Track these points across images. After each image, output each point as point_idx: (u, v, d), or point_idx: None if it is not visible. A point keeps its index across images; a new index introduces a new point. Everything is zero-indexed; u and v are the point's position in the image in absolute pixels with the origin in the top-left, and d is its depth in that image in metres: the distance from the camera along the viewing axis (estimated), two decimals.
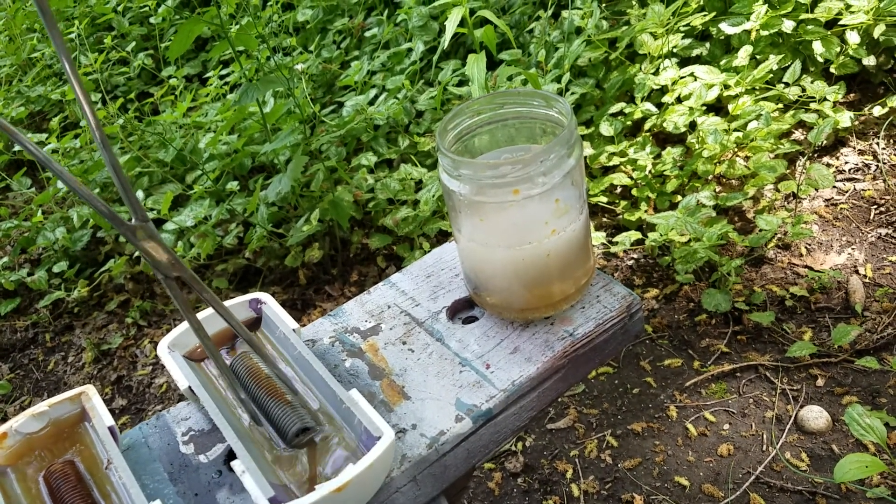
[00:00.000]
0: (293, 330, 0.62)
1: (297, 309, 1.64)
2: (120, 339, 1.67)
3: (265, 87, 1.40)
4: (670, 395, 1.27)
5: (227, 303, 0.65)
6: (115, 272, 1.66)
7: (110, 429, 0.56)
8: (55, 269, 1.69)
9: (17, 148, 1.76)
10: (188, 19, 1.32)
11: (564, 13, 1.60)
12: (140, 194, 1.57)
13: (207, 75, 1.85)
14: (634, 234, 1.38)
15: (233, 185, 1.60)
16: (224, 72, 1.83)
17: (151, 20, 1.96)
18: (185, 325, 0.63)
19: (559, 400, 1.35)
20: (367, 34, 1.81)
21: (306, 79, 1.69)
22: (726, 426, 1.20)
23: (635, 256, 1.50)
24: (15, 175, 1.84)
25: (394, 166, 1.70)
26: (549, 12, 1.59)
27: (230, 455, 0.58)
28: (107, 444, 0.55)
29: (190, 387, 0.59)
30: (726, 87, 1.50)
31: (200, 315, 0.64)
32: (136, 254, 1.64)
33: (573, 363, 0.60)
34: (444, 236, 1.59)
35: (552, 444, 1.26)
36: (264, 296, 0.66)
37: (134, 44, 1.89)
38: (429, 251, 1.58)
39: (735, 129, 1.46)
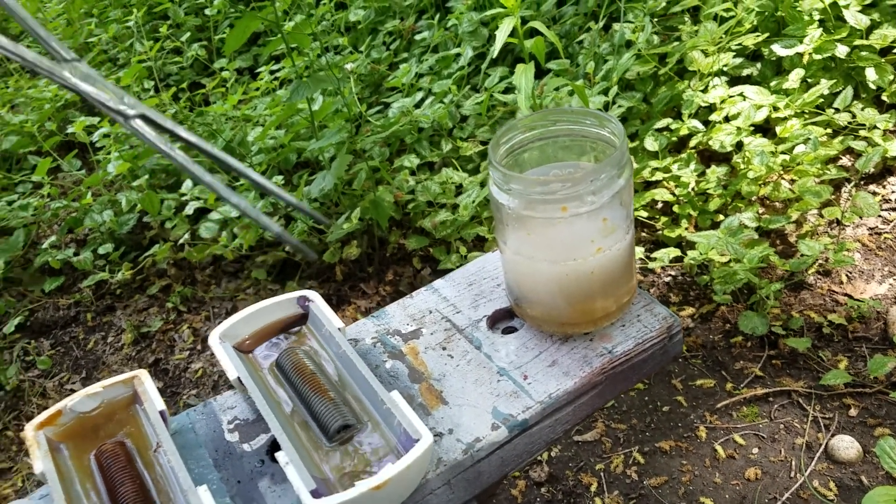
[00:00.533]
0: (338, 329, 0.64)
1: (331, 304, 1.67)
2: (160, 323, 1.72)
3: (315, 86, 1.43)
4: (700, 415, 1.27)
5: (275, 299, 0.68)
6: (158, 257, 1.71)
7: (161, 413, 0.59)
8: (100, 251, 1.75)
9: (70, 129, 1.81)
10: (245, 15, 1.35)
11: (615, 26, 1.60)
12: (189, 184, 1.61)
13: (259, 70, 1.88)
14: (673, 252, 1.38)
15: (278, 180, 1.64)
16: (275, 67, 1.87)
17: (206, 12, 2.00)
18: (236, 316, 0.66)
19: None
20: (417, 37, 1.83)
21: (354, 78, 1.72)
22: (755, 450, 1.19)
23: (673, 273, 1.50)
24: (66, 156, 1.90)
25: (435, 169, 1.72)
26: (600, 24, 1.60)
27: (273, 446, 0.61)
28: (157, 428, 0.58)
29: (238, 377, 0.61)
30: (775, 108, 1.49)
31: (252, 308, 0.66)
32: (181, 240, 1.68)
33: (610, 380, 0.62)
34: (480, 241, 1.61)
35: (578, 456, 1.27)
36: (312, 294, 0.68)
37: (188, 34, 1.94)
38: (465, 255, 1.60)
39: (782, 152, 1.45)
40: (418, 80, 1.77)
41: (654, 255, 1.42)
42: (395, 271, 1.70)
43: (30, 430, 0.59)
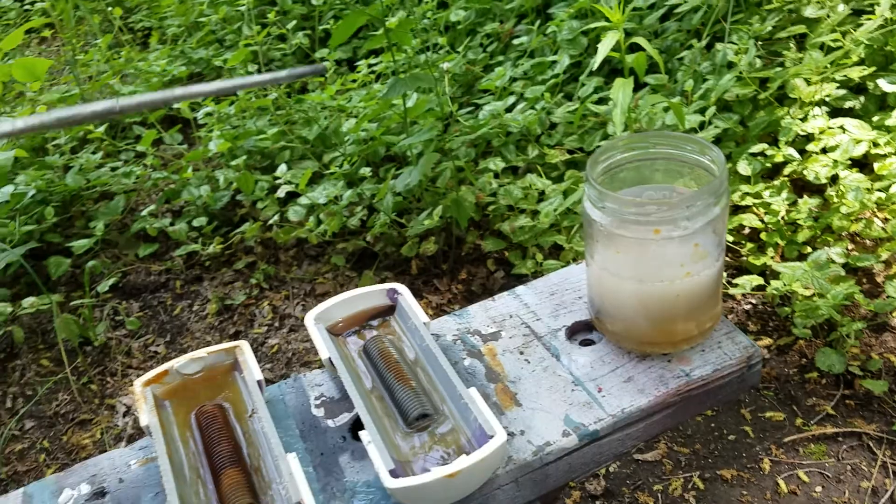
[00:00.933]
0: (423, 323, 0.68)
1: None
2: (243, 297, 1.80)
3: (412, 84, 1.48)
4: (766, 447, 1.26)
5: (367, 288, 0.72)
6: (248, 235, 1.79)
7: (259, 382, 0.64)
8: (194, 223, 1.84)
9: (176, 105, 1.92)
10: (352, 11, 1.41)
11: (718, 45, 1.59)
12: (283, 167, 1.69)
13: (357, 62, 1.95)
14: (756, 280, 1.36)
15: (365, 171, 1.70)
16: (373, 61, 1.93)
17: (313, 1, 2.08)
18: (331, 300, 0.71)
19: None
20: (515, 41, 1.86)
21: (449, 78, 1.76)
22: (819, 489, 1.18)
23: (753, 302, 1.48)
24: (169, 130, 2.01)
25: (518, 174, 1.74)
26: (703, 43, 1.59)
27: (355, 425, 0.65)
28: (254, 396, 0.63)
29: (330, 358, 0.66)
30: (875, 144, 1.46)
31: (345, 295, 0.71)
32: (270, 221, 1.76)
33: (685, 402, 0.63)
34: (557, 250, 1.62)
35: (637, 474, 1.27)
36: (401, 287, 0.72)
37: (294, 22, 2.02)
38: (541, 263, 1.62)
39: (878, 189, 1.42)
40: (511, 83, 1.80)
41: (735, 280, 1.41)
42: (469, 271, 1.74)
43: (138, 386, 0.65)
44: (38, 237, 1.84)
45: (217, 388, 0.67)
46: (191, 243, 1.85)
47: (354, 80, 1.91)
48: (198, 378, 0.67)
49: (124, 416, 1.62)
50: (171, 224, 1.86)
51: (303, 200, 1.73)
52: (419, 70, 1.59)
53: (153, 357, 1.74)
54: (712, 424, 1.31)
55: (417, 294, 1.73)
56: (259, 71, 2.06)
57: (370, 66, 1.93)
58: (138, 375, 1.68)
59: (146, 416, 0.63)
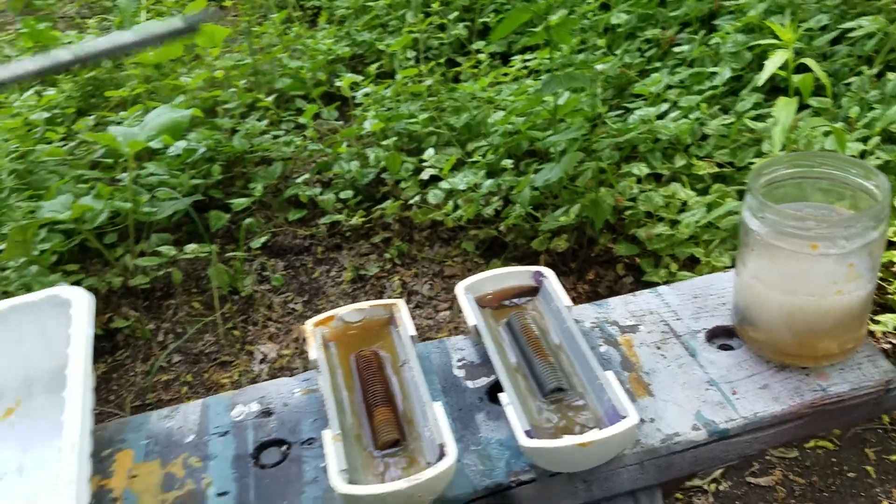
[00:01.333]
0: (566, 307, 0.73)
1: None
2: (376, 270, 1.91)
3: (568, 83, 1.52)
4: (887, 490, 1.22)
5: (515, 268, 0.78)
6: (388, 212, 1.90)
7: (412, 337, 0.72)
8: (341, 195, 1.97)
9: (338, 83, 2.05)
10: (517, 7, 1.47)
11: (890, 75, 1.53)
12: (431, 151, 1.77)
13: (512, 57, 2.01)
14: None
15: (507, 163, 1.76)
16: (528, 57, 1.98)
17: None
18: (482, 274, 0.77)
19: (766, 457, 1.34)
20: (675, 49, 1.86)
21: (602, 80, 1.79)
22: None
23: (893, 342, 1.43)
24: (328, 106, 2.15)
25: (662, 182, 1.75)
26: (874, 71, 1.54)
27: (493, 389, 0.71)
28: (407, 348, 0.70)
29: (476, 326, 0.72)
30: None
31: (495, 271, 0.77)
32: (411, 200, 1.86)
33: (818, 416, 0.65)
34: (692, 263, 1.62)
35: (747, 497, 1.27)
36: (547, 271, 0.78)
37: (455, 14, 2.11)
38: (674, 273, 1.62)
39: None
40: (666, 91, 1.81)
41: (878, 317, 1.36)
42: (598, 272, 1.77)
43: (309, 326, 0.74)
44: (202, 191, 2.03)
45: (373, 337, 0.75)
46: (335, 214, 1.98)
47: (506, 74, 1.97)
48: (358, 326, 0.76)
49: (261, 362, 1.77)
50: (321, 194, 1.99)
51: (443, 185, 1.81)
52: (574, 69, 1.63)
53: (291, 313, 1.88)
54: (833, 459, 1.28)
55: None
56: (417, 59, 2.16)
57: (524, 61, 1.98)
58: (277, 327, 1.83)
59: (314, 351, 0.71)
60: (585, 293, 1.74)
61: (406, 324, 0.73)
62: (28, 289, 1.66)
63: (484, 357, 0.74)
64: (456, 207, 1.81)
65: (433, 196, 1.84)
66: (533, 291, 0.79)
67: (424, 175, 1.80)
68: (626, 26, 1.99)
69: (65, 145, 2.01)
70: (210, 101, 2.18)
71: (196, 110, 1.89)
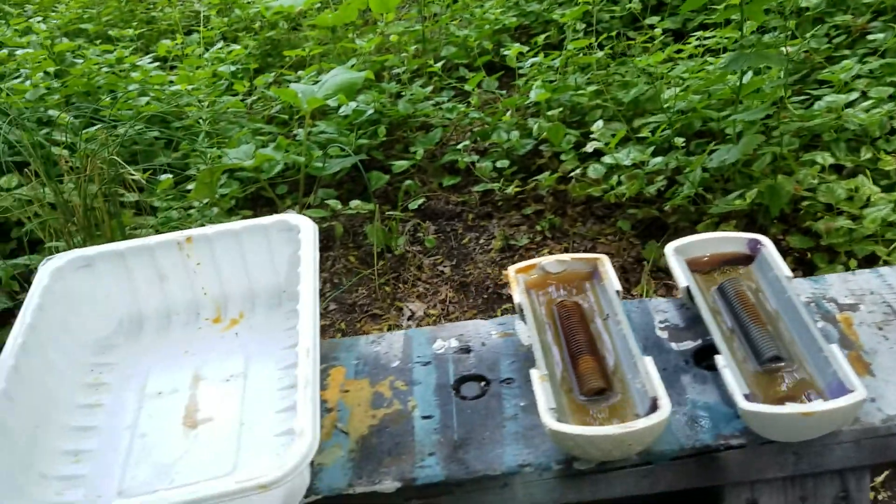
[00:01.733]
0: (787, 276, 0.71)
1: None
2: (525, 241, 1.92)
3: (757, 61, 1.46)
4: None
5: (730, 234, 0.76)
6: (543, 184, 1.90)
7: (617, 292, 0.71)
8: (497, 164, 1.98)
9: (506, 53, 2.06)
10: None
11: None
12: (600, 123, 1.75)
13: (689, 34, 1.94)
14: None
15: (678, 141, 1.71)
16: (707, 35, 1.92)
17: None
18: (693, 237, 0.76)
19: None
20: (869, 37, 1.74)
21: (786, 63, 1.70)
22: None
23: None
24: (492, 76, 2.16)
25: (843, 174, 1.65)
26: None
27: (699, 354, 0.70)
28: (613, 302, 0.70)
29: (688, 287, 0.71)
30: None
31: (707, 235, 0.76)
32: (572, 174, 1.85)
33: None
34: (870, 261, 1.52)
35: None
36: (765, 239, 0.75)
37: None
38: (852, 270, 1.53)
39: None
40: (854, 80, 1.70)
41: None
42: None
43: (512, 272, 0.76)
44: (365, 151, 2.10)
45: (572, 289, 0.75)
46: (489, 182, 2.00)
47: (681, 51, 1.91)
48: (556, 276, 0.76)
49: (408, 319, 1.82)
50: (477, 161, 2.01)
51: (606, 160, 1.79)
52: (761, 49, 1.56)
53: (439, 275, 1.92)
54: None
55: None
56: (586, 32, 2.13)
57: (701, 39, 1.92)
58: (425, 287, 1.88)
59: (518, 295, 0.73)
60: None
61: (612, 278, 0.73)
62: None
63: (689, 321, 0.72)
64: (615, 184, 1.79)
65: (593, 171, 1.82)
66: (745, 260, 0.76)
67: (590, 148, 1.78)
68: (815, 10, 1.88)
69: (244, 99, 2.14)
70: (378, 65, 2.25)
71: (369, 73, 1.95)
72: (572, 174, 1.85)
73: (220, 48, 2.08)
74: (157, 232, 1.79)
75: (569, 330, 0.70)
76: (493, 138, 2.03)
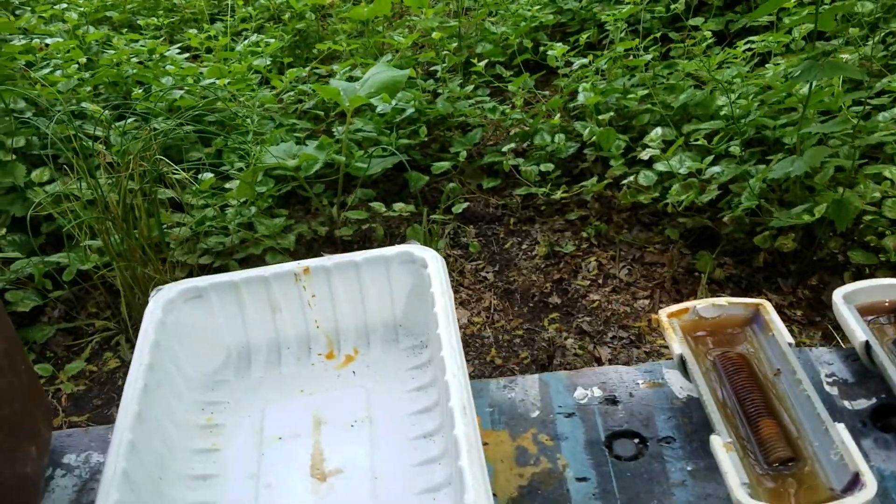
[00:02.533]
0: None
1: (739, 287, 1.67)
2: (571, 248, 1.85)
3: (830, 72, 1.40)
4: None
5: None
6: (590, 189, 1.83)
7: (790, 345, 0.65)
8: (541, 168, 1.92)
9: (547, 51, 1.98)
10: None
11: None
12: (658, 130, 1.68)
13: (739, 37, 1.88)
14: None
15: (736, 149, 1.65)
16: (755, 38, 1.86)
17: None
18: (864, 283, 0.70)
19: None
20: None
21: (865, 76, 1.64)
22: None
23: None
24: (532, 75, 2.09)
25: None
26: None
27: (878, 412, 0.64)
28: (789, 356, 0.64)
29: (867, 342, 0.65)
30: None
31: (878, 281, 0.70)
32: (623, 181, 1.79)
33: None
34: None
35: None
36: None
37: None
38: None
39: None
40: None
41: None
42: (822, 278, 1.65)
43: (664, 316, 0.69)
44: (403, 151, 2.02)
45: (730, 336, 0.69)
46: (531, 186, 1.94)
47: (734, 56, 1.85)
48: (711, 321, 0.70)
49: None
50: (522, 164, 1.95)
51: (658, 167, 1.73)
52: (826, 58, 1.50)
53: (482, 281, 1.86)
54: None
55: (754, 287, 1.67)
56: (628, 32, 2.06)
57: (749, 43, 1.86)
58: (468, 294, 1.82)
59: (677, 345, 0.66)
60: (806, 299, 1.62)
61: (781, 329, 0.66)
62: (250, 227, 1.71)
63: (859, 375, 0.67)
64: (665, 191, 1.73)
65: (644, 178, 1.76)
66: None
67: (644, 155, 1.72)
68: (871, 17, 1.82)
69: (276, 94, 2.05)
70: (412, 60, 2.17)
71: (412, 71, 1.87)
72: (626, 181, 1.79)
73: (256, 41, 1.98)
74: (195, 231, 1.71)
75: (740, 388, 0.64)
76: (537, 140, 1.96)
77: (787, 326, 0.70)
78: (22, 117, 1.77)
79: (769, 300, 1.67)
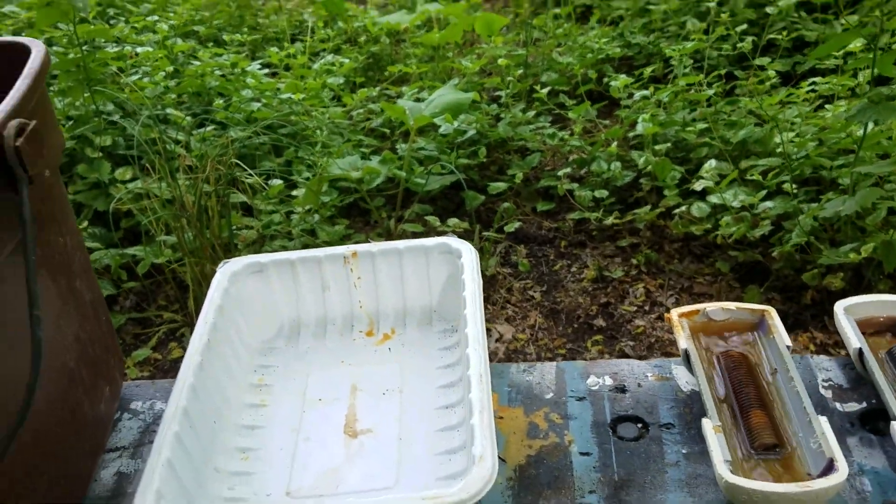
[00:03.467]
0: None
1: (786, 323, 1.71)
2: (620, 273, 1.92)
3: (886, 114, 1.45)
4: None
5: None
6: (642, 217, 1.90)
7: (788, 347, 0.73)
8: (596, 194, 2.00)
9: (613, 83, 2.07)
10: (847, 32, 1.41)
11: None
12: (712, 163, 1.75)
13: (798, 77, 1.93)
14: None
15: (790, 187, 1.70)
16: (816, 79, 1.91)
17: (767, 10, 2.10)
18: (864, 297, 0.76)
19: None
20: None
21: None
22: None
23: None
24: (595, 105, 2.18)
25: None
26: None
27: (866, 416, 0.70)
28: (785, 357, 0.72)
29: (860, 349, 0.72)
30: None
31: (884, 297, 0.76)
32: (676, 211, 1.85)
33: None
34: None
35: None
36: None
37: (744, 26, 2.06)
38: None
39: None
40: None
41: None
42: None
43: (675, 315, 0.77)
44: (462, 170, 2.14)
45: (735, 339, 0.77)
46: (584, 211, 2.02)
47: (791, 94, 1.91)
48: (719, 324, 0.78)
49: (496, 341, 1.84)
50: (577, 189, 2.03)
51: (712, 199, 1.79)
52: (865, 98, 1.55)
53: (529, 300, 1.94)
54: None
55: (801, 324, 1.71)
56: (693, 68, 2.13)
57: (813, 84, 1.91)
58: (514, 311, 1.90)
59: (684, 341, 0.74)
60: None
61: (781, 333, 0.74)
62: (312, 233, 1.85)
63: (853, 382, 0.73)
64: (717, 223, 1.79)
65: (697, 209, 1.82)
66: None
67: (697, 187, 1.78)
68: None
69: (346, 111, 2.20)
70: (478, 85, 2.29)
71: (476, 95, 1.99)
72: (678, 211, 1.86)
73: (331, 61, 2.15)
74: (261, 234, 1.85)
75: (737, 381, 0.71)
76: (593, 167, 2.04)
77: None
78: (110, 118, 1.96)
79: (815, 338, 1.70)
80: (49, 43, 2.06)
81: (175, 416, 0.68)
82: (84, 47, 1.92)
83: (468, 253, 0.81)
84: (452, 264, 0.82)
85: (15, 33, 2.07)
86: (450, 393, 0.73)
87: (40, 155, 0.55)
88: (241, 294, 0.83)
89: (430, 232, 2.01)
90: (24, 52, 0.65)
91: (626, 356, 1.74)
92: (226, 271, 0.83)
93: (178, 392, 0.69)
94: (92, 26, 1.91)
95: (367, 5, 2.78)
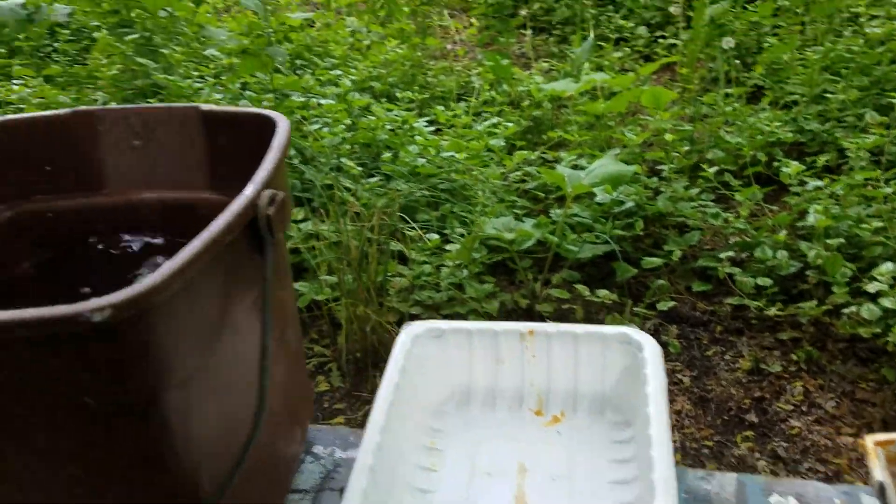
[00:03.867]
0: None
1: None
2: (778, 368, 1.84)
3: None
4: None
5: None
6: (806, 312, 1.82)
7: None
8: (758, 281, 1.93)
9: (781, 168, 2.01)
10: None
11: None
12: (889, 265, 1.66)
13: None
14: None
15: None
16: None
17: None
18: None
19: None
20: None
21: None
22: None
23: None
24: (764, 188, 2.12)
25: None
26: None
27: None
28: None
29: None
30: None
31: None
32: (846, 311, 1.76)
33: None
34: None
35: None
36: None
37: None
38: None
39: None
40: None
41: None
42: None
43: (869, 442, 0.74)
44: (615, 241, 2.13)
45: None
46: (745, 297, 1.95)
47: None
48: None
49: None
50: (739, 274, 1.98)
51: (885, 302, 1.69)
52: None
53: (678, 384, 1.89)
54: None
55: None
56: (870, 162, 2.04)
57: None
58: None
59: (879, 472, 0.71)
60: None
61: None
62: (460, 287, 1.90)
63: None
64: (888, 328, 1.68)
65: (867, 311, 1.72)
66: None
67: (871, 289, 1.69)
68: None
69: (504, 172, 2.26)
70: (639, 157, 2.29)
71: (638, 167, 1.99)
72: (843, 310, 1.77)
73: (495, 122, 2.22)
74: (411, 282, 1.92)
75: None
76: (757, 253, 1.98)
77: None
78: (290, 162, 2.11)
79: None
80: (243, 87, 2.26)
81: (363, 471, 0.72)
82: (274, 94, 2.09)
83: (651, 346, 0.82)
84: (631, 356, 0.83)
85: (216, 76, 2.28)
86: (623, 490, 0.74)
87: (283, 221, 0.62)
88: (421, 355, 0.87)
89: (576, 300, 2.01)
90: (268, 123, 0.73)
91: (779, 458, 1.65)
92: (409, 333, 0.88)
93: (365, 448, 0.74)
94: (284, 77, 2.08)
95: (532, 70, 2.86)
